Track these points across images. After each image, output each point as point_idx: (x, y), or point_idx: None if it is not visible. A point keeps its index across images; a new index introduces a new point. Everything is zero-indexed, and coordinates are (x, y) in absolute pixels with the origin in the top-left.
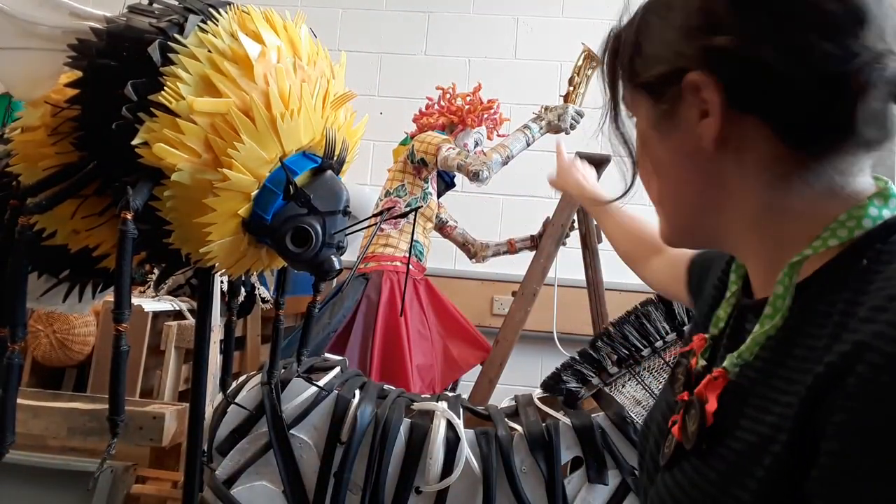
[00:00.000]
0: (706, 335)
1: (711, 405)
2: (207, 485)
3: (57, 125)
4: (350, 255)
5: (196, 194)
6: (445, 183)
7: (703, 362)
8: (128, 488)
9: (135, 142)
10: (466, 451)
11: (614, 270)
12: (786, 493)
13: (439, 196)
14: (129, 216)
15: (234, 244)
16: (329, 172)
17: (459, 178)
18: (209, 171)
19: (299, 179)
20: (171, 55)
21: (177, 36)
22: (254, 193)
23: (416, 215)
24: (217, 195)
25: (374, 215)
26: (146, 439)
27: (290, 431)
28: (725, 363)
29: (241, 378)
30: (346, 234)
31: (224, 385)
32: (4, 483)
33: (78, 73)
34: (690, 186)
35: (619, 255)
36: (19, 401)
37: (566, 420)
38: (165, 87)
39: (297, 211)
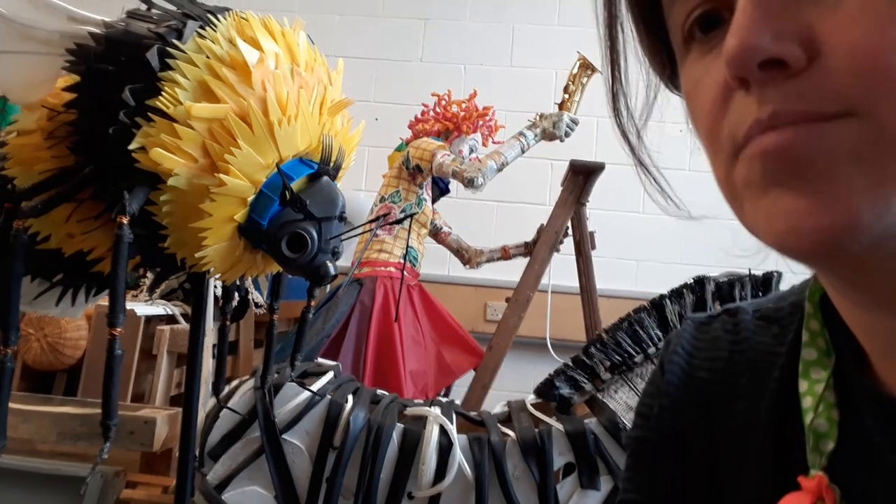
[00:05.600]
0: (821, 481)
1: None
2: (199, 489)
3: (53, 129)
4: (344, 261)
5: (192, 199)
6: (440, 189)
7: None
8: (118, 493)
9: (132, 146)
10: (459, 457)
11: (608, 277)
12: None
13: (434, 202)
14: (125, 221)
15: (230, 249)
16: (325, 178)
17: (454, 185)
18: (206, 176)
19: (296, 185)
20: (169, 61)
21: (175, 42)
22: (250, 199)
23: (410, 221)
24: (213, 200)
25: (370, 221)
26: (137, 444)
27: (283, 436)
28: None
29: (234, 382)
30: (342, 240)
31: (217, 390)
32: None
33: (75, 78)
34: None
35: None
36: (10, 405)
37: (559, 426)
38: (163, 93)
39: (293, 216)
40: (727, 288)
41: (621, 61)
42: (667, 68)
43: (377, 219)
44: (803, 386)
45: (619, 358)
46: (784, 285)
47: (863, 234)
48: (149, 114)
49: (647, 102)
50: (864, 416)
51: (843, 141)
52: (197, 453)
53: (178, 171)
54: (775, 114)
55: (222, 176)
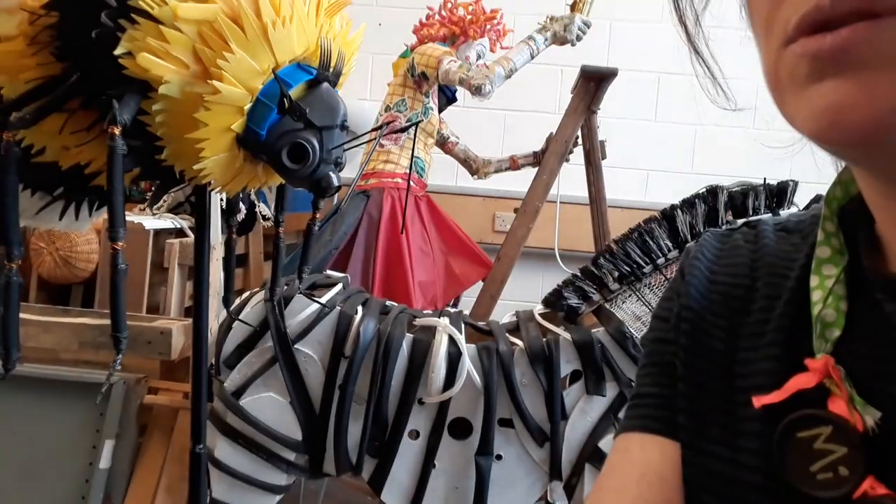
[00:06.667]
0: (827, 361)
1: None
2: (217, 396)
3: (35, 34)
4: (350, 172)
5: (186, 108)
6: (447, 97)
7: (872, 416)
8: (140, 399)
9: (118, 51)
10: (468, 365)
11: (617, 187)
12: None
13: (440, 111)
14: (117, 131)
15: (229, 161)
16: (325, 85)
17: (461, 93)
18: (198, 83)
19: (294, 92)
20: None
21: None
22: (247, 107)
23: (416, 130)
24: (208, 109)
25: (373, 129)
26: (155, 353)
27: (295, 346)
28: None
29: (245, 295)
30: (345, 150)
31: (227, 302)
32: (21, 395)
33: None
34: None
35: None
36: (29, 317)
37: (566, 335)
38: None
39: (292, 126)
40: (740, 198)
41: None
42: None
43: (380, 127)
44: (814, 281)
45: (627, 268)
46: (801, 196)
47: None
48: (133, 15)
49: None
50: (883, 303)
51: None
52: (213, 362)
53: (168, 77)
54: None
55: (216, 83)
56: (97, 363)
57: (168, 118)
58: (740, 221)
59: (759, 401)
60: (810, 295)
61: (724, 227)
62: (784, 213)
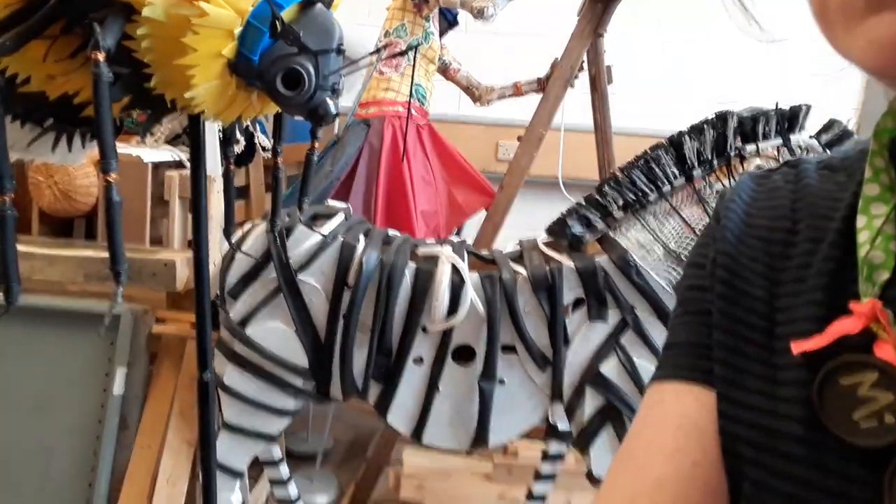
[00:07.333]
0: (874, 304)
1: None
2: (223, 325)
3: None
4: (348, 101)
5: (172, 32)
6: (448, 22)
7: None
8: (149, 328)
9: None
10: (471, 293)
11: (623, 114)
12: None
13: (441, 35)
14: (101, 57)
15: (221, 88)
16: (319, 6)
17: (463, 17)
18: (184, 5)
19: (286, 15)
20: None
21: None
22: (237, 31)
23: (416, 54)
24: (196, 33)
25: (371, 53)
26: (160, 285)
27: (299, 277)
28: None
29: (246, 226)
30: (342, 75)
31: (227, 234)
32: (33, 327)
33: None
34: None
35: None
36: (33, 249)
37: (569, 263)
38: None
39: (286, 50)
40: (750, 123)
41: None
42: None
43: (378, 51)
44: (861, 221)
45: (632, 196)
46: (812, 123)
47: None
48: None
49: None
50: None
51: None
52: (218, 293)
53: None
54: None
55: (202, 4)
56: (104, 294)
57: (154, 43)
58: (781, 161)
59: (798, 346)
60: (856, 236)
61: (762, 170)
62: (799, 138)
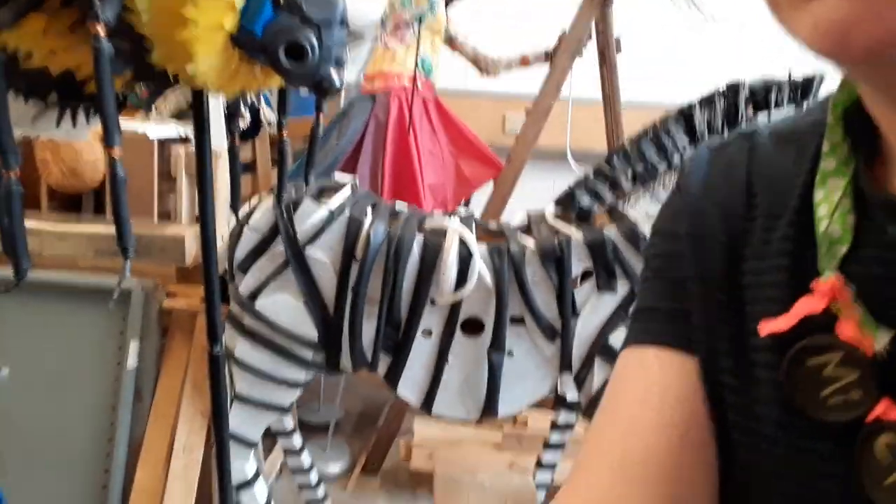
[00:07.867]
0: (834, 282)
1: None
2: (233, 299)
3: None
4: (353, 76)
5: (172, 4)
6: None
7: (884, 338)
8: (160, 303)
9: None
10: (479, 265)
11: (631, 86)
12: None
13: (447, 5)
14: (101, 31)
15: (224, 62)
16: None
17: None
18: None
19: None
20: None
21: None
22: (238, 3)
23: (420, 26)
24: (196, 5)
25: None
26: (169, 259)
27: (306, 251)
28: None
29: (253, 200)
30: (346, 47)
31: (235, 209)
32: (45, 302)
33: None
34: None
35: None
36: (43, 225)
37: (578, 235)
38: None
39: (289, 23)
40: (762, 93)
41: None
42: None
43: (383, 23)
44: (819, 195)
45: (642, 168)
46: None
47: None
48: None
49: None
50: (885, 222)
51: None
52: (227, 267)
53: None
54: None
55: None
56: (114, 270)
57: (154, 16)
58: (734, 133)
59: (764, 329)
60: (815, 211)
61: (717, 141)
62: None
